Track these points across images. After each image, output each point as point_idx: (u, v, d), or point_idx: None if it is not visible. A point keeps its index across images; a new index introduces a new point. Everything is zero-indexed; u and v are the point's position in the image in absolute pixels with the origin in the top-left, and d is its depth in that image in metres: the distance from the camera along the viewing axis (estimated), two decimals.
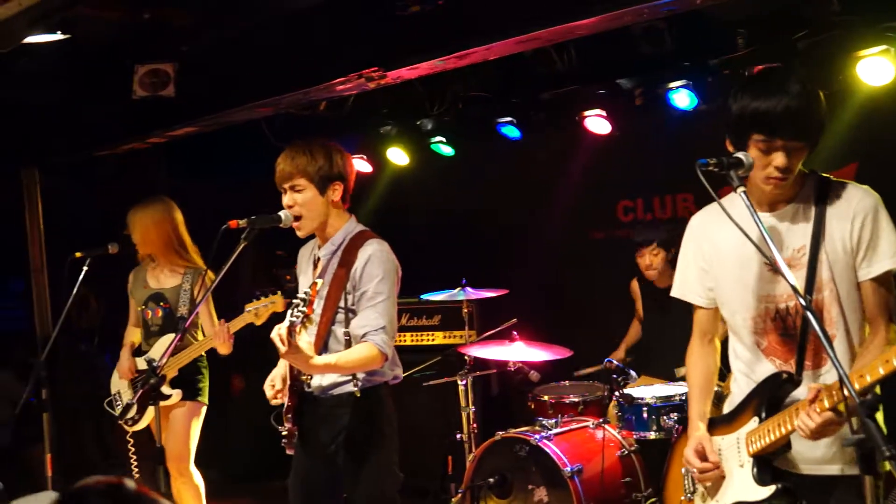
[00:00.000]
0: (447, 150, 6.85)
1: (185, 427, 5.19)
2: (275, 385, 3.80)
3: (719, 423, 3.08)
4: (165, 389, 5.06)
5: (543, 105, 6.27)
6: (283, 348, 3.28)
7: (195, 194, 5.77)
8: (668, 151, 6.32)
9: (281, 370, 3.88)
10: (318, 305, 3.68)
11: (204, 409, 5.29)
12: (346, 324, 3.66)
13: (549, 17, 4.17)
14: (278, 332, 3.29)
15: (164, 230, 5.31)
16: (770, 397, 2.86)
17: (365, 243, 3.69)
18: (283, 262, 7.01)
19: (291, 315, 3.29)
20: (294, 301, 3.32)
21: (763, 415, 2.85)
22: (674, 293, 3.24)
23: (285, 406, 3.76)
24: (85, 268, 5.10)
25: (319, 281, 3.33)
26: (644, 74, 5.78)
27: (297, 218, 3.70)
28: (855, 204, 2.79)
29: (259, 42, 5.23)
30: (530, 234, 7.05)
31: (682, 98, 5.64)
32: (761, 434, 2.83)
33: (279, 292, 4.55)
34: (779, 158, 2.72)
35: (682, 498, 3.21)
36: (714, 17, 5.10)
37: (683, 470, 3.22)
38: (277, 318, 4.77)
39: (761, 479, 2.84)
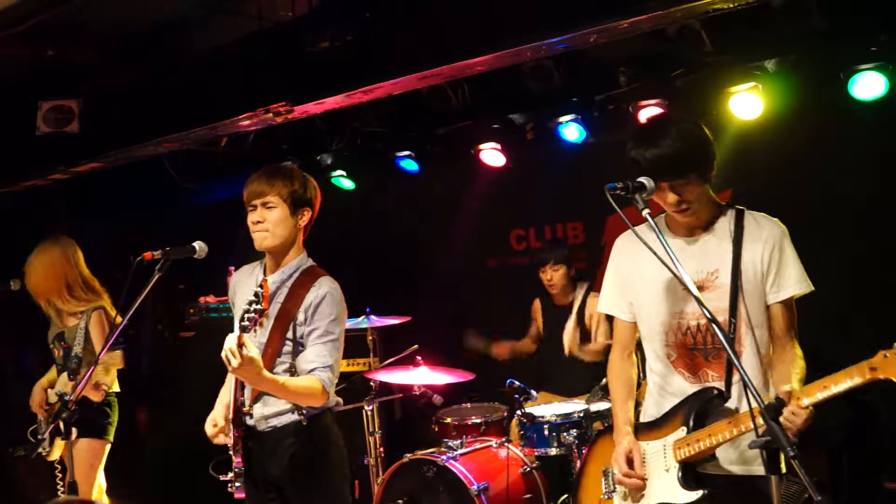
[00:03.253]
0: (347, 184, 7.03)
1: (87, 463, 5.15)
2: (216, 423, 3.73)
3: (643, 429, 3.30)
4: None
5: (440, 139, 6.52)
6: (234, 362, 3.25)
7: (97, 230, 5.74)
8: (559, 182, 6.67)
9: (220, 410, 3.80)
10: (263, 336, 3.66)
11: (108, 447, 5.27)
12: (293, 356, 3.64)
13: (451, 53, 4.41)
14: (228, 348, 3.26)
15: (57, 274, 5.26)
16: (698, 410, 3.11)
17: (318, 280, 3.69)
18: (185, 296, 7.03)
19: (242, 321, 3.27)
20: (243, 308, 3.29)
21: (691, 425, 3.09)
22: (599, 308, 3.47)
23: (232, 440, 3.63)
24: None
25: (269, 279, 3.30)
26: (534, 110, 6.11)
27: (261, 230, 3.68)
28: (766, 234, 3.11)
29: (166, 77, 5.30)
30: (430, 263, 7.27)
31: (571, 131, 5.98)
32: (690, 443, 3.07)
33: (120, 349, 4.65)
34: (669, 196, 3.04)
35: (602, 496, 3.39)
36: (598, 56, 5.45)
37: (605, 469, 3.41)
38: (121, 372, 4.85)
39: (687, 484, 3.07)
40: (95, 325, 5.19)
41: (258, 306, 3.25)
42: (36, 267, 5.28)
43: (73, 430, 4.89)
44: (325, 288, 3.66)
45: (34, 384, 5.42)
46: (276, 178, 3.68)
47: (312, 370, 3.57)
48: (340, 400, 3.83)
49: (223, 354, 3.29)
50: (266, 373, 3.42)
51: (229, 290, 4.00)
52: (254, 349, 3.33)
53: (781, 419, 2.73)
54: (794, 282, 3.09)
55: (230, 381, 3.86)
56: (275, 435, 3.67)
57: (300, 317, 3.63)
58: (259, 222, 3.67)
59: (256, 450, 3.69)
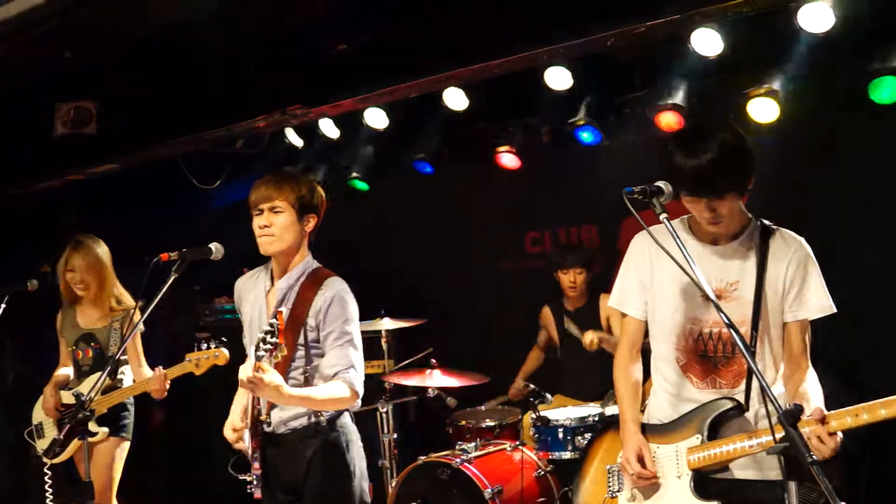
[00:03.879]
0: (363, 186, 7.02)
1: (108, 461, 5.18)
2: (235, 428, 3.73)
3: (652, 431, 3.29)
4: (92, 426, 5.00)
5: (456, 142, 6.51)
6: (256, 389, 3.26)
7: (113, 231, 5.75)
8: (574, 185, 6.65)
9: (238, 413, 3.81)
10: None
11: (127, 445, 5.29)
12: (307, 361, 3.65)
13: (467, 56, 4.41)
14: (245, 374, 3.25)
15: (110, 272, 5.30)
16: (714, 419, 3.09)
17: (325, 281, 3.69)
18: (201, 298, 7.05)
19: (257, 350, 3.26)
20: (259, 336, 3.28)
21: (706, 434, 3.08)
22: (611, 303, 3.44)
23: (251, 449, 3.62)
24: (3, 305, 5.06)
25: (284, 310, 3.30)
26: (550, 113, 6.09)
27: (267, 234, 3.67)
28: (792, 252, 3.08)
29: (182, 79, 5.31)
30: (445, 266, 7.25)
31: (586, 134, 5.95)
32: (705, 452, 3.06)
33: (223, 348, 4.61)
34: (704, 211, 2.99)
35: (606, 496, 3.37)
36: (613, 59, 5.44)
37: (609, 467, 3.40)
38: (217, 369, 4.84)
39: (700, 493, 3.06)
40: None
41: (274, 339, 3.24)
42: (94, 259, 5.25)
43: (104, 430, 5.04)
44: (333, 290, 3.66)
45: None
46: (283, 184, 3.69)
47: (336, 374, 3.58)
48: (358, 402, 3.81)
49: (241, 380, 3.28)
50: (289, 390, 3.41)
51: (235, 297, 3.99)
52: (273, 372, 3.32)
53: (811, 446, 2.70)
54: (815, 304, 3.07)
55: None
56: (293, 438, 3.68)
57: (311, 322, 3.64)
58: (266, 227, 3.67)
59: (275, 454, 3.69)
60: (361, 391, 3.63)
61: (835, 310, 3.08)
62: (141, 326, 5.08)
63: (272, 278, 3.81)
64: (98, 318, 5.30)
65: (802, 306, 3.07)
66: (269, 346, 3.25)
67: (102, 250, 5.33)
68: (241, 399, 3.84)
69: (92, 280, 5.26)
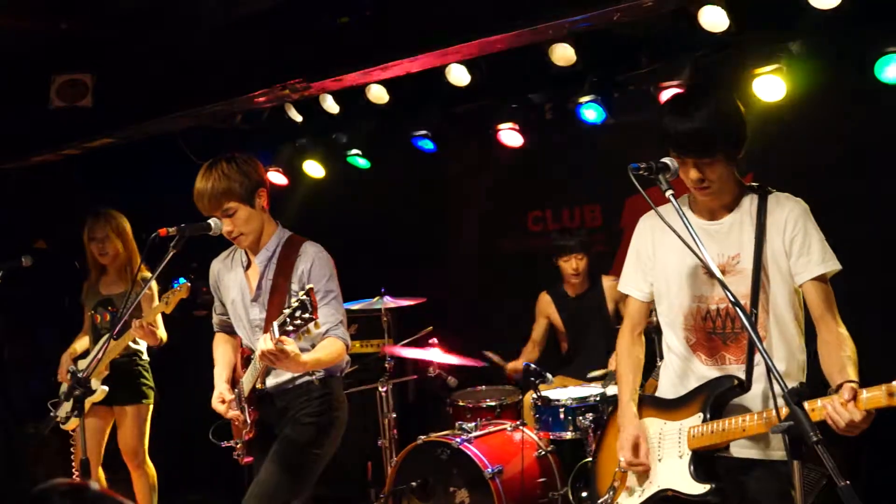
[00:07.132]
0: (363, 163, 6.94)
1: (136, 426, 5.51)
2: (224, 399, 3.88)
3: (661, 405, 3.26)
4: (94, 384, 5.15)
5: (457, 119, 6.44)
6: (277, 360, 3.38)
7: (112, 207, 5.70)
8: (577, 164, 6.59)
9: (224, 385, 3.94)
10: (262, 312, 3.82)
11: (150, 409, 5.57)
12: None
13: (470, 30, 4.35)
14: (267, 349, 3.35)
15: (127, 238, 5.52)
16: (716, 399, 3.05)
17: (301, 247, 3.85)
18: (197, 274, 6.98)
19: (284, 325, 3.32)
20: (286, 312, 3.33)
21: (708, 414, 3.03)
22: (620, 287, 3.45)
23: (249, 419, 3.80)
24: None
25: (310, 285, 3.37)
26: (553, 89, 6.02)
27: (236, 235, 3.79)
28: (787, 213, 3.03)
29: (181, 53, 5.25)
30: (446, 244, 7.22)
31: (590, 112, 5.87)
32: (704, 433, 3.02)
33: (185, 280, 4.79)
34: (692, 172, 2.97)
35: (617, 469, 3.35)
36: (619, 35, 5.36)
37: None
38: (185, 302, 5.01)
39: (697, 476, 3.02)
40: (148, 294, 5.38)
41: (307, 314, 3.28)
42: (114, 228, 5.47)
43: (104, 388, 5.17)
44: (311, 253, 3.82)
45: (47, 362, 5.44)
46: (221, 184, 3.72)
47: (327, 332, 3.71)
48: (348, 357, 3.98)
49: (260, 354, 3.40)
50: (305, 357, 3.54)
51: (211, 280, 4.12)
52: (292, 343, 3.42)
53: (826, 414, 2.64)
54: (819, 259, 3.00)
55: (221, 359, 4.08)
56: (288, 396, 3.85)
57: (295, 287, 3.77)
58: (230, 231, 3.78)
59: (269, 413, 3.86)
60: (350, 343, 3.81)
61: (839, 266, 3.02)
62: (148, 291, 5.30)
63: (248, 254, 3.93)
64: (118, 285, 5.51)
65: (809, 265, 3.00)
66: (299, 322, 3.31)
67: (121, 220, 5.54)
68: (223, 373, 4.01)
69: (112, 248, 5.46)
